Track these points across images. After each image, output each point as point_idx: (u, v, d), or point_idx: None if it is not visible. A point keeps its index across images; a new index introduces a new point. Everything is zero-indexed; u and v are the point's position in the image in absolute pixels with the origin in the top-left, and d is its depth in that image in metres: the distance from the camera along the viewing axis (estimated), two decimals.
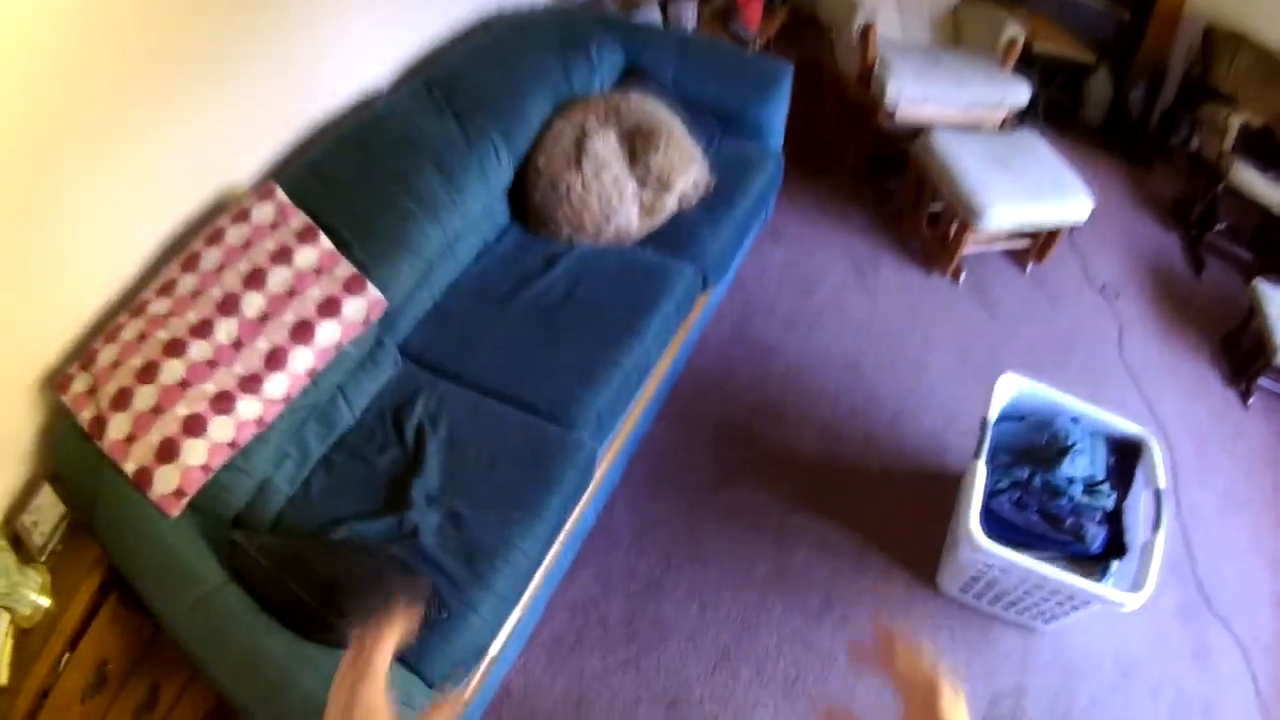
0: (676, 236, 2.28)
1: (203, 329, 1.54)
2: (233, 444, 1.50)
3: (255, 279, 1.64)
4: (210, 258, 1.65)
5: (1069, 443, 1.93)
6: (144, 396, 1.46)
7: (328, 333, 1.68)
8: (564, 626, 1.99)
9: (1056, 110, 3.53)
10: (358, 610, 1.35)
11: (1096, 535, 1.84)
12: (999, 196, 2.57)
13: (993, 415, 1.94)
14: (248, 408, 1.53)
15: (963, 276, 2.87)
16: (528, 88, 2.23)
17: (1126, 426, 1.99)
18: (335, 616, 1.34)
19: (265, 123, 1.92)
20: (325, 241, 1.75)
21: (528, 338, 1.98)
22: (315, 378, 1.69)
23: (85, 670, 1.38)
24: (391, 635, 0.62)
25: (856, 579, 2.11)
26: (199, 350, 1.52)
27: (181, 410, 1.45)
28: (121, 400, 1.46)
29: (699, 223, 2.31)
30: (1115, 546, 1.86)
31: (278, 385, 1.60)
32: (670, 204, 2.29)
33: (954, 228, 2.78)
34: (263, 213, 1.72)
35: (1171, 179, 3.43)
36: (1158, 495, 1.83)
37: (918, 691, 0.57)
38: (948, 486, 2.25)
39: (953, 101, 2.92)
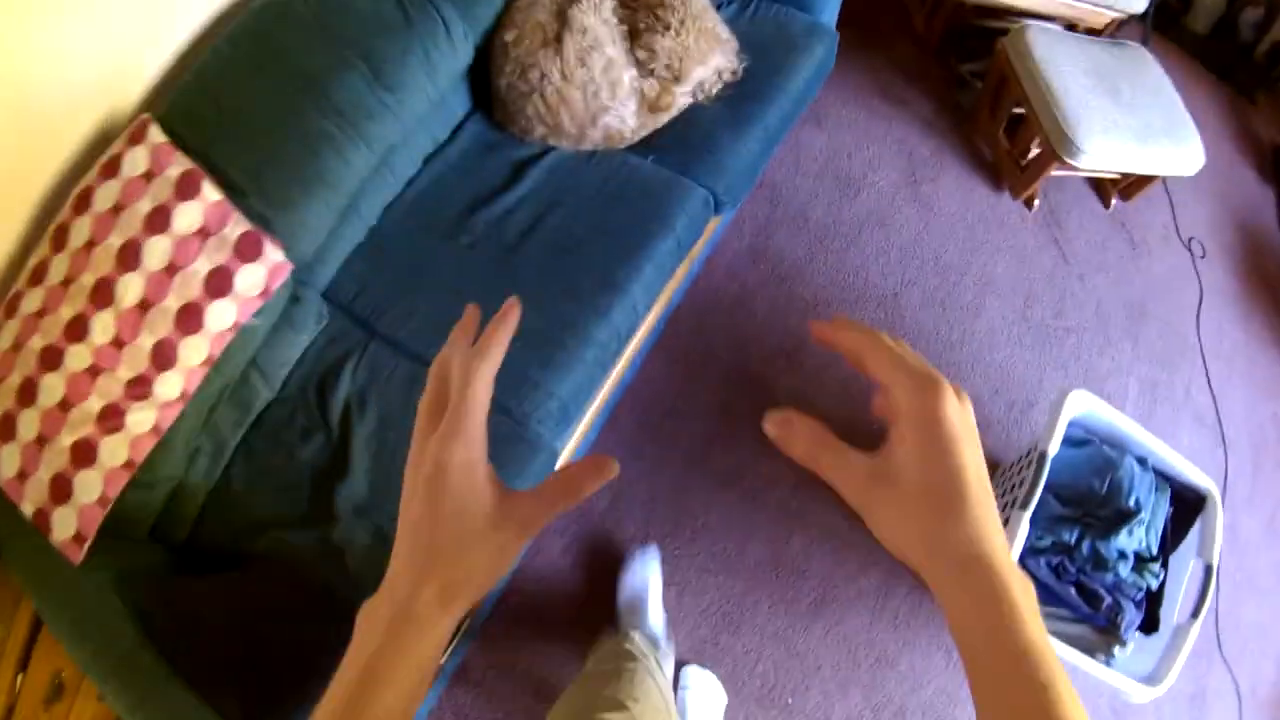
0: (685, 141, 1.73)
1: (77, 328, 1.28)
2: (129, 464, 1.30)
3: (129, 256, 1.28)
4: (79, 231, 1.31)
5: (1132, 505, 1.58)
6: (27, 424, 1.28)
7: (220, 315, 1.31)
8: (523, 606, 1.71)
9: (1161, 10, 2.82)
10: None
11: (1133, 621, 1.54)
12: (1101, 132, 2.01)
13: (1053, 447, 1.55)
14: (140, 419, 1.30)
15: (1037, 204, 2.35)
16: None
17: (1196, 477, 1.64)
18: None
19: (156, 10, 1.37)
20: (210, 192, 1.30)
21: (479, 283, 1.52)
22: (216, 364, 1.35)
23: (41, 684, 1.35)
24: (489, 366, 0.43)
25: (856, 577, 1.82)
26: (76, 357, 1.28)
27: (66, 439, 1.27)
28: (6, 429, 1.29)
29: (717, 124, 1.74)
30: (1147, 620, 1.58)
31: (171, 386, 1.31)
32: (681, 99, 1.72)
33: (1036, 147, 2.23)
34: (135, 161, 1.30)
35: (1275, 120, 2.83)
36: (1208, 572, 1.53)
37: (908, 391, 0.39)
38: None
39: None
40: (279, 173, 1.36)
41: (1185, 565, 1.62)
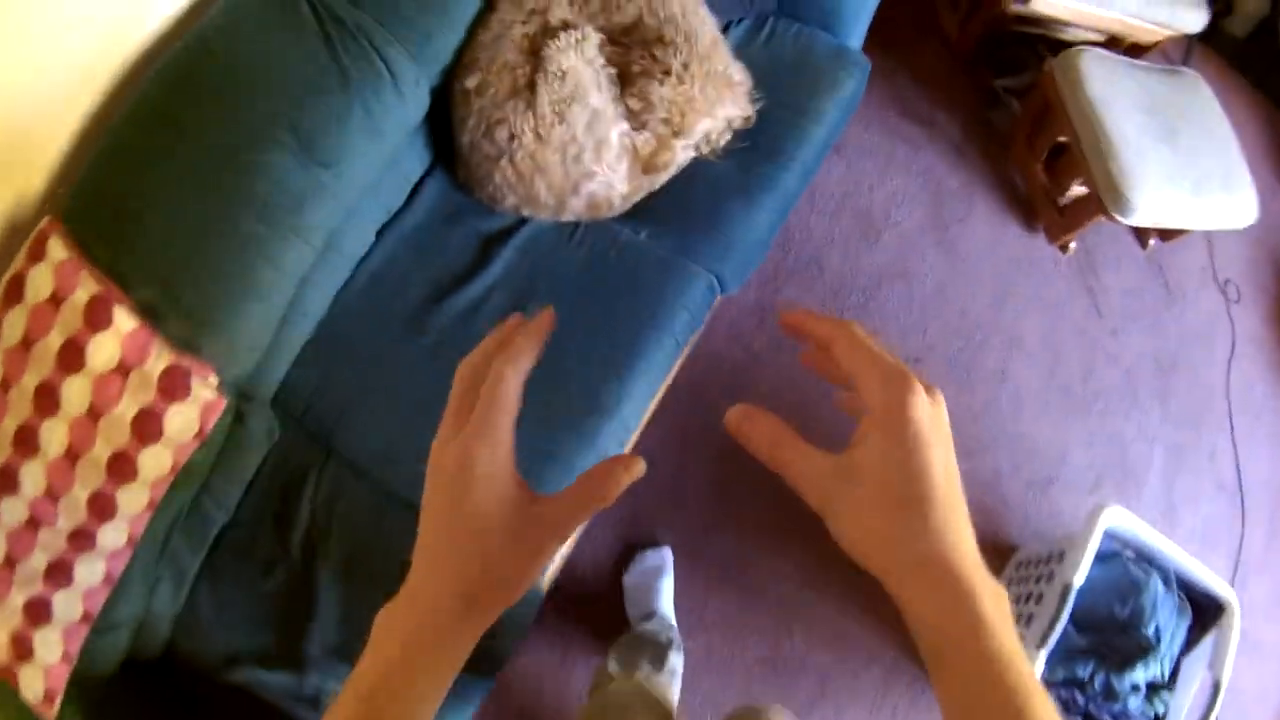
0: (686, 209, 1.45)
1: (7, 480, 1.17)
2: (85, 616, 1.21)
3: (46, 400, 1.11)
4: None
5: (1152, 635, 1.47)
6: None
7: (155, 461, 1.15)
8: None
9: None
10: None
11: None
12: (1156, 187, 1.78)
13: (1079, 579, 1.40)
14: (88, 571, 1.20)
15: (1073, 247, 2.10)
16: None
17: (1219, 588, 1.52)
18: None
19: (55, 82, 1.09)
20: (124, 320, 1.09)
21: (444, 395, 1.28)
22: (160, 503, 1.18)
23: None
24: (519, 369, 0.40)
25: (858, 672, 1.69)
26: (11, 511, 1.19)
27: (18, 598, 1.20)
28: None
29: (725, 188, 1.46)
30: None
31: (115, 535, 1.18)
32: (683, 155, 1.43)
33: (1078, 185, 1.98)
34: (38, 283, 1.10)
35: None
36: (1216, 689, 1.43)
37: (876, 386, 0.37)
38: (993, 565, 1.78)
39: (1114, 3, 1.97)
40: (200, 289, 1.10)
41: (1195, 675, 1.52)
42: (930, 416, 0.36)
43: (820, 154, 1.56)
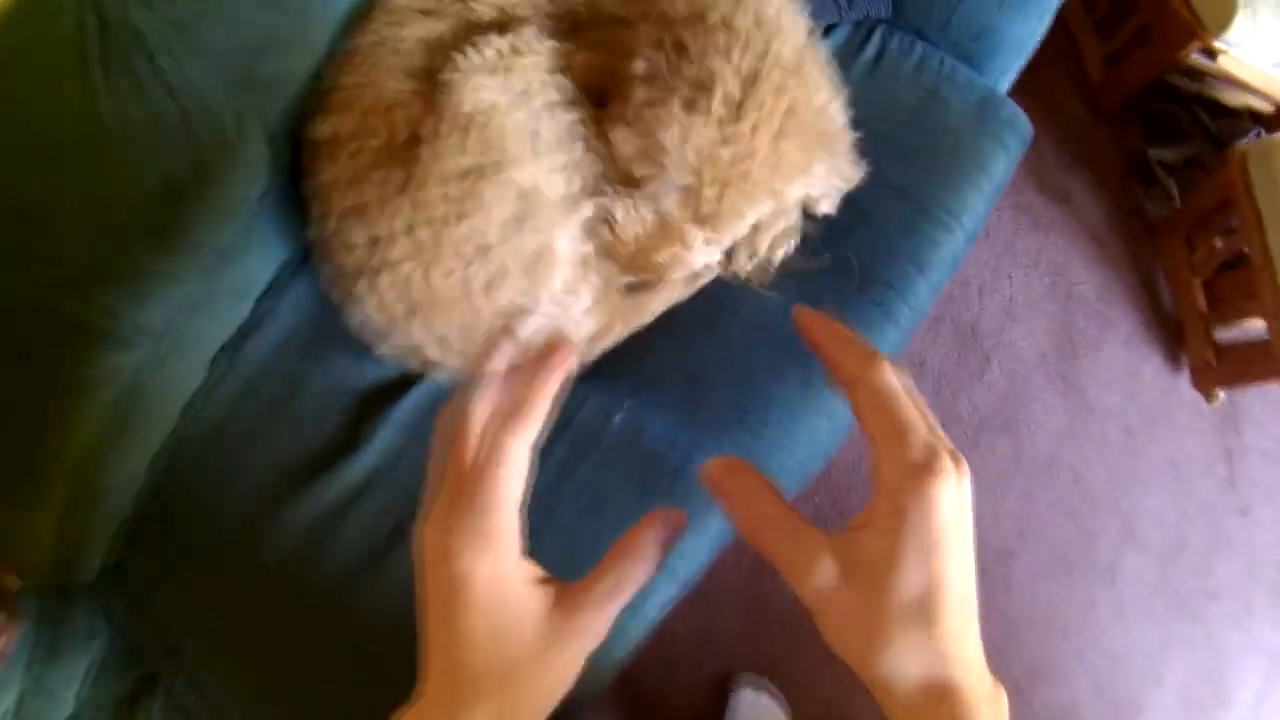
0: (703, 366, 0.80)
1: None
2: None
3: None
4: None
5: None
6: None
7: None
8: None
9: None
10: None
11: None
12: None
13: None
14: None
15: (1221, 396, 1.57)
16: None
17: None
18: None
19: None
20: None
21: (304, 632, 0.75)
22: None
23: None
24: (523, 436, 0.32)
25: None
26: None
27: None
28: None
29: (775, 339, 0.80)
30: None
31: None
32: (701, 260, 0.75)
33: (1254, 317, 1.47)
34: None
35: None
36: None
37: (898, 466, 0.28)
38: None
39: None
40: None
41: None
42: (955, 509, 0.28)
43: (941, 284, 0.93)
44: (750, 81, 0.67)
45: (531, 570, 0.32)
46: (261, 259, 0.78)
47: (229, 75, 0.66)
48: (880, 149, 0.78)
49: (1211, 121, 1.66)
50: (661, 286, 0.78)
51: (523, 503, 0.31)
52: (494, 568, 0.30)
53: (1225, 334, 1.50)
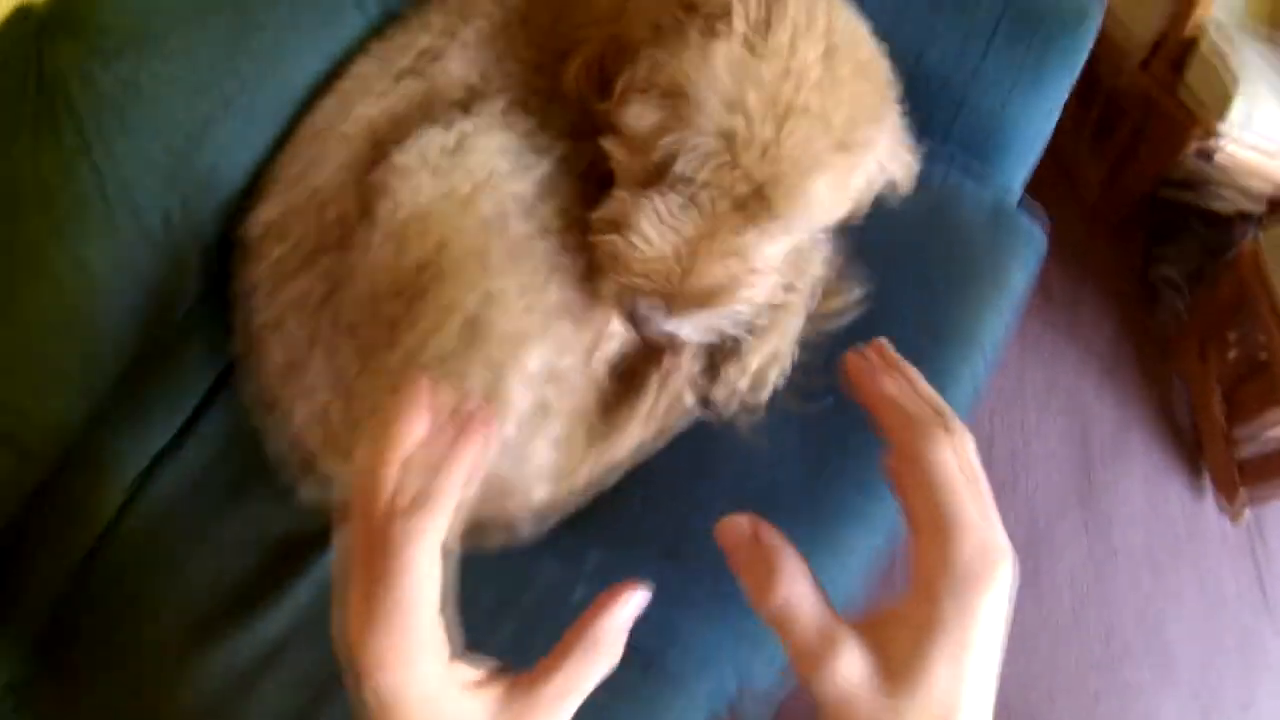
0: (681, 532, 0.62)
1: None
2: None
3: None
4: None
5: None
6: None
7: None
8: None
9: None
10: None
11: None
12: None
13: None
14: None
15: (1246, 514, 1.42)
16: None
17: None
18: None
19: None
20: None
21: None
22: None
23: None
24: (433, 526, 0.27)
25: None
26: None
27: None
28: None
29: (763, 484, 0.65)
30: None
31: None
32: (687, 397, 0.64)
33: (1271, 433, 1.37)
34: None
35: None
36: None
37: (952, 574, 0.26)
38: None
39: None
40: None
41: None
42: (999, 615, 0.26)
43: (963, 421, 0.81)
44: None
45: (464, 674, 0.29)
46: (188, 373, 0.68)
47: (162, 162, 0.58)
48: (887, 271, 0.67)
49: (1207, 231, 1.61)
50: (632, 422, 0.64)
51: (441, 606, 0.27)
52: (424, 680, 0.27)
53: (1246, 449, 1.39)
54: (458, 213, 0.56)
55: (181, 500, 0.64)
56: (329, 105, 0.62)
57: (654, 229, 0.51)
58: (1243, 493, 1.36)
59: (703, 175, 0.50)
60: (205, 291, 0.66)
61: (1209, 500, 1.43)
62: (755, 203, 0.51)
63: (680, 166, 0.50)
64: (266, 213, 0.59)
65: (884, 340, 0.34)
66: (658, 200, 0.51)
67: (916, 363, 0.64)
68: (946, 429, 0.28)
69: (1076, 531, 1.31)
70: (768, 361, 0.64)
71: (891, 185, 0.61)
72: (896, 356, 0.33)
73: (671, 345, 0.62)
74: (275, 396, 0.59)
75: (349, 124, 0.60)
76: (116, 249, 0.58)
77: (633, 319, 0.56)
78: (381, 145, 0.58)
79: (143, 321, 0.62)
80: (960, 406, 0.74)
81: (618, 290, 0.54)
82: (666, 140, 0.49)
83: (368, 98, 0.60)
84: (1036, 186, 0.94)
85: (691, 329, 0.55)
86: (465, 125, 0.57)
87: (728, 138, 0.49)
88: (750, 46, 0.49)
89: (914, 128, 0.77)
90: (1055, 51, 0.84)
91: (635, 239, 0.51)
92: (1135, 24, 1.45)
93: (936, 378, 0.68)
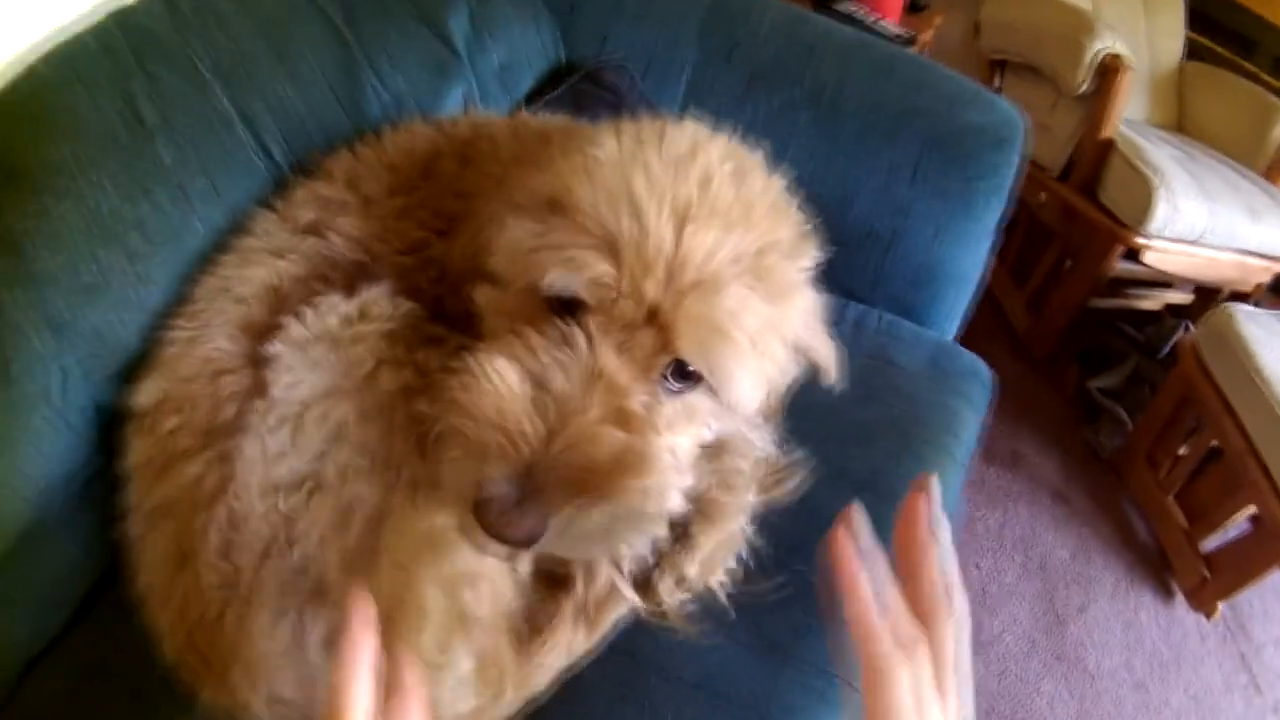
0: None
1: None
2: None
3: None
4: None
5: None
6: None
7: None
8: None
9: None
10: None
11: None
12: None
13: None
14: None
15: (1220, 609, 1.38)
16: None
17: None
18: None
19: None
20: None
21: None
22: None
23: None
24: (355, 667, 0.33)
25: None
26: None
27: None
28: None
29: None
30: None
31: None
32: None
33: (1232, 521, 1.35)
34: None
35: None
36: None
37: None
38: None
39: (1234, 242, 1.44)
40: None
41: None
42: None
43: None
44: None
45: None
46: (79, 559, 0.59)
47: (62, 315, 0.53)
48: (829, 437, 0.62)
49: (1138, 333, 1.64)
50: (561, 626, 0.56)
51: None
52: None
53: (1210, 542, 1.36)
54: (358, 392, 0.50)
55: (74, 697, 0.55)
56: (228, 263, 0.57)
57: (510, 367, 0.39)
58: (1213, 586, 1.32)
59: (581, 295, 0.39)
60: (107, 463, 0.58)
61: (1180, 603, 1.39)
62: (653, 337, 0.40)
63: (552, 287, 0.39)
64: (158, 381, 0.53)
65: (858, 515, 0.38)
66: (523, 336, 0.40)
67: (880, 531, 0.58)
68: (908, 654, 0.35)
69: (1051, 668, 1.25)
70: (718, 548, 0.57)
71: (813, 367, 0.52)
72: (924, 523, 0.39)
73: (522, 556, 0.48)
74: (164, 597, 0.50)
75: (245, 286, 0.54)
76: (10, 407, 0.52)
77: (477, 515, 0.38)
78: (279, 310, 0.53)
79: (39, 490, 0.55)
80: None
81: (457, 463, 0.40)
82: (537, 258, 0.40)
83: (262, 262, 0.55)
84: (964, 331, 0.93)
85: (564, 536, 0.38)
86: (367, 293, 0.52)
87: (611, 244, 0.39)
88: (639, 143, 0.43)
89: (841, 277, 0.74)
90: (985, 170, 0.84)
91: (484, 378, 0.39)
92: (1052, 141, 1.51)
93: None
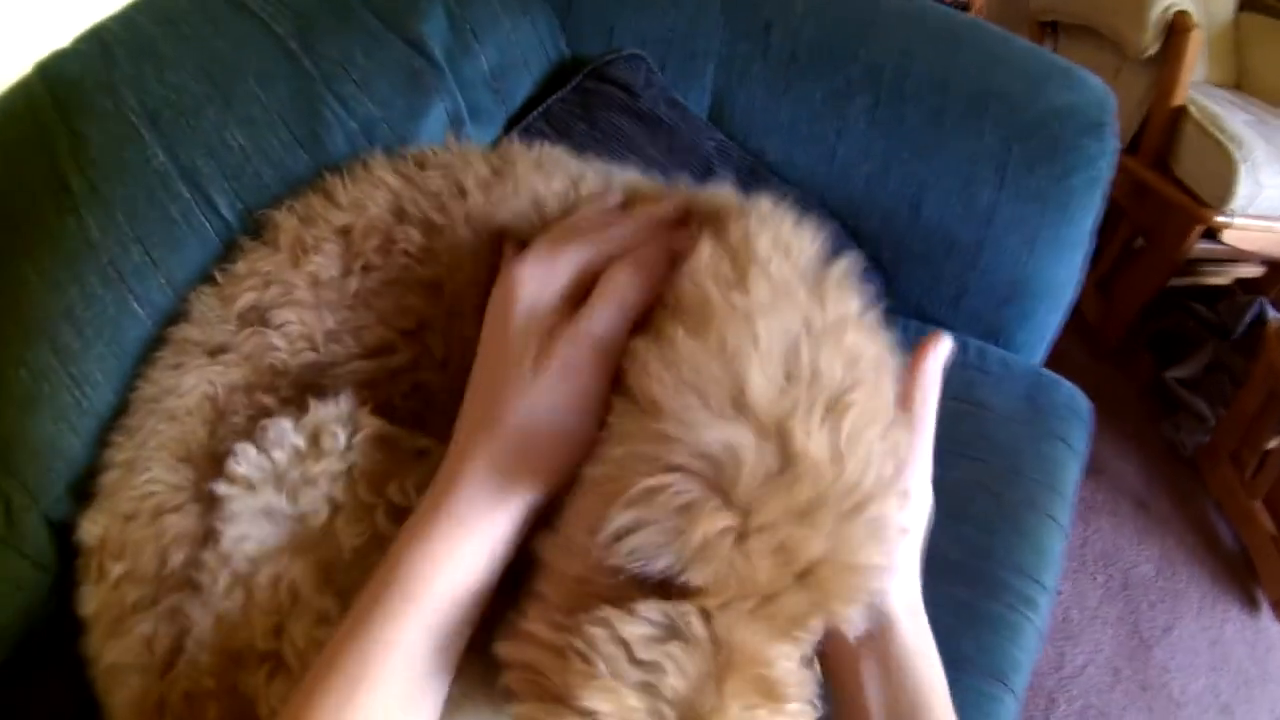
0: None
1: None
2: None
3: None
4: None
5: None
6: None
7: None
8: None
9: None
10: None
11: None
12: None
13: None
14: None
15: None
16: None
17: None
18: None
19: None
20: None
21: None
22: None
23: None
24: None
25: None
26: None
27: None
28: None
29: None
30: None
31: None
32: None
33: None
34: None
35: None
36: None
37: None
38: None
39: None
40: None
41: None
42: None
43: (1026, 683, 0.62)
44: None
45: None
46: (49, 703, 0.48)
47: None
48: None
49: (1210, 312, 1.49)
50: None
51: None
52: None
53: None
54: (316, 546, 0.39)
55: None
56: (162, 363, 0.45)
57: (612, 699, 0.26)
58: None
59: (691, 558, 0.27)
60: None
61: (1266, 613, 1.27)
62: (793, 594, 0.28)
63: (640, 555, 0.27)
64: (99, 517, 0.43)
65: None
66: (614, 625, 0.27)
67: (967, 631, 0.47)
68: None
69: (1135, 698, 1.13)
70: None
71: None
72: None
73: None
74: None
75: (178, 399, 0.43)
76: None
77: None
78: (218, 426, 0.42)
79: (13, 634, 0.47)
80: (1025, 669, 0.56)
81: None
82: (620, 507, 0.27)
83: (198, 365, 0.43)
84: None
85: None
86: (317, 412, 0.40)
87: (731, 462, 0.27)
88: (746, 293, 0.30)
89: (915, 295, 0.61)
90: (1080, 162, 0.70)
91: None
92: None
93: (999, 647, 0.51)
